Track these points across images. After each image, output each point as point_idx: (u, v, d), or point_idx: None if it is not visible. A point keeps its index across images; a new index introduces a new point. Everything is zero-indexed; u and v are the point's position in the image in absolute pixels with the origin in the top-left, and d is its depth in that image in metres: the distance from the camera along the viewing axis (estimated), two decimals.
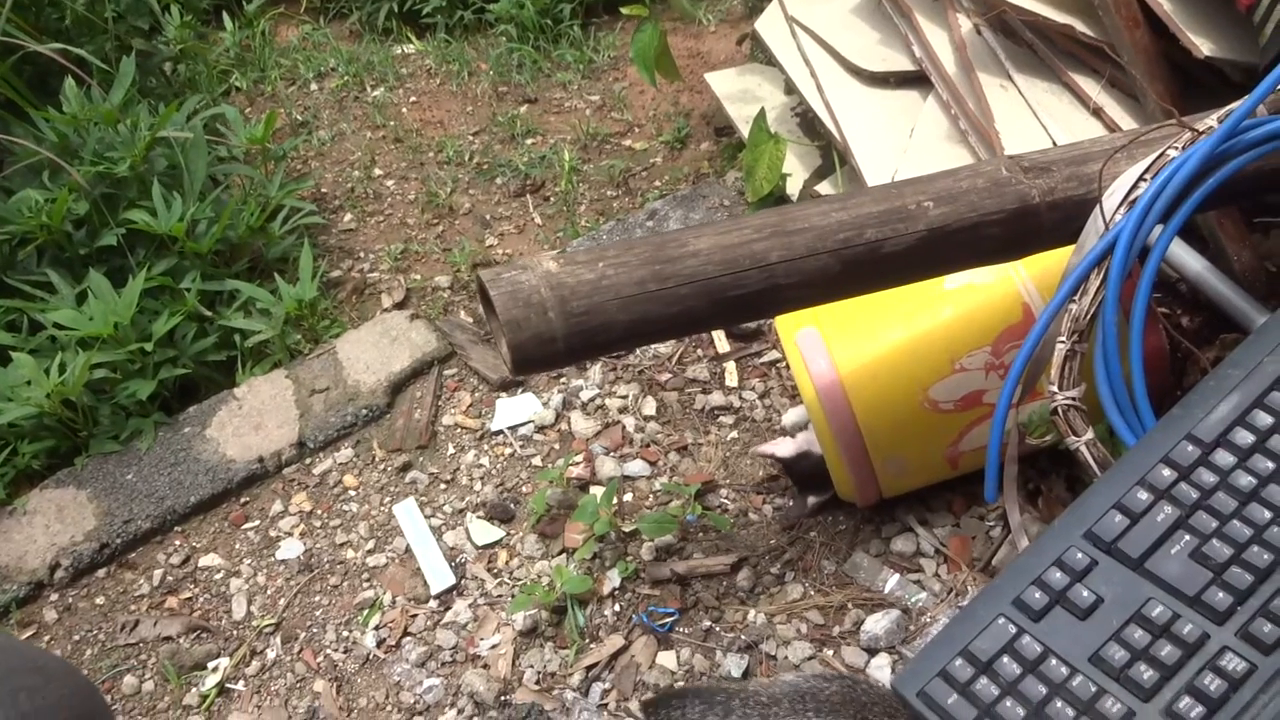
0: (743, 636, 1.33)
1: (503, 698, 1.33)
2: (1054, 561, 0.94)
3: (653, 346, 1.74)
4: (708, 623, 1.36)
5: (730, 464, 1.55)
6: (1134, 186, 1.05)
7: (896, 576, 1.36)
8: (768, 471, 1.52)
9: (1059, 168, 1.07)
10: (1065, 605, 0.92)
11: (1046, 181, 1.05)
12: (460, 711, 1.34)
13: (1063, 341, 1.04)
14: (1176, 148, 1.06)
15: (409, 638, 1.43)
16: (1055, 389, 1.05)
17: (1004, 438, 1.15)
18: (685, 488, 1.49)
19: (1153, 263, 1.03)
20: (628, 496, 1.53)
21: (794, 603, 1.36)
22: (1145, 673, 0.85)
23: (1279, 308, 1.24)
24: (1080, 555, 0.93)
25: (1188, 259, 1.37)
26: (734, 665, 1.31)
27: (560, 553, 1.48)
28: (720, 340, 1.72)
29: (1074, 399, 1.04)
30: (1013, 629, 0.91)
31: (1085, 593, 0.91)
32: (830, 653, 1.30)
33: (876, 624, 1.30)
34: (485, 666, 1.38)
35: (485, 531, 1.53)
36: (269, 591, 1.52)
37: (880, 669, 1.27)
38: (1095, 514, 0.96)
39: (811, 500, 1.43)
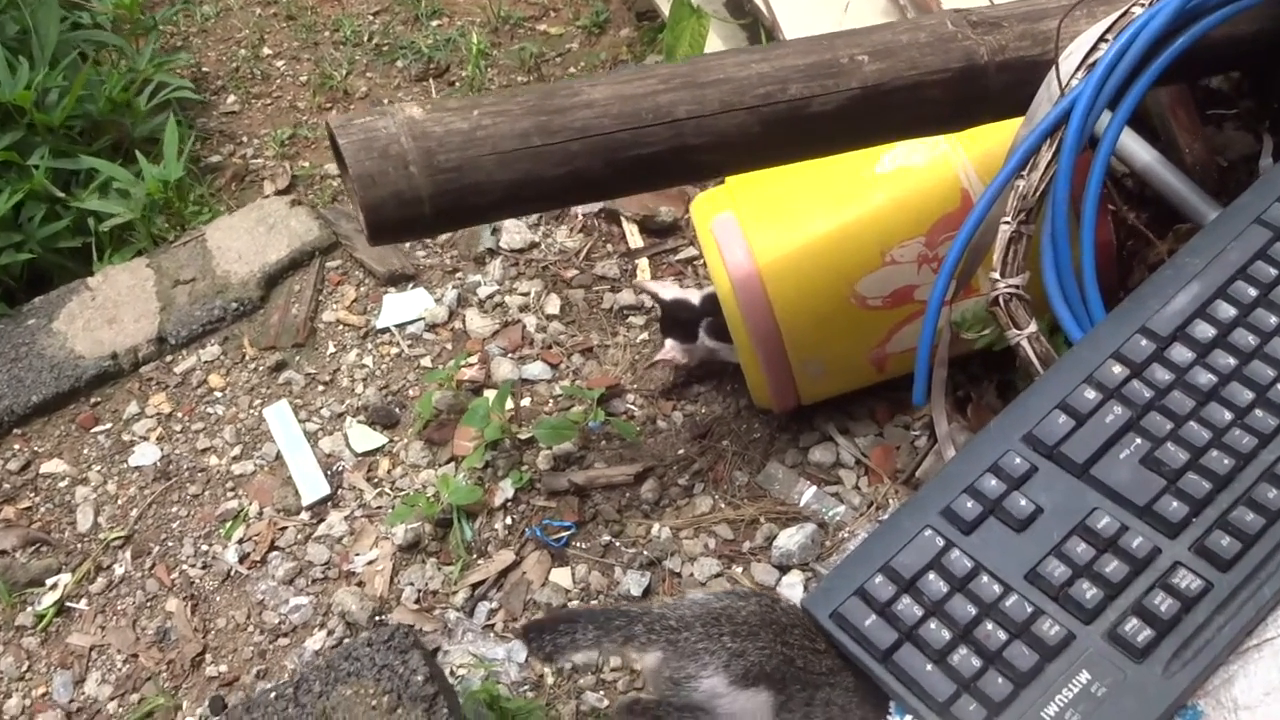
0: (645, 552, 1.22)
1: (378, 618, 1.20)
2: (989, 467, 0.83)
3: (558, 239, 1.58)
4: (607, 537, 1.24)
5: (638, 368, 1.42)
6: (1094, 48, 0.93)
7: (813, 489, 1.25)
8: (679, 377, 1.39)
9: (1011, 24, 0.93)
10: (1000, 516, 0.80)
11: (996, 39, 0.92)
12: (330, 633, 1.20)
13: (1007, 222, 0.92)
14: (1142, 3, 0.93)
15: (276, 552, 1.29)
16: (996, 275, 0.92)
17: (935, 336, 1.04)
18: (588, 392, 1.35)
19: (1112, 131, 0.91)
20: (525, 401, 1.39)
21: (702, 516, 1.24)
22: (1088, 591, 0.75)
23: (1231, 203, 1.13)
24: (1018, 460, 0.82)
25: (1137, 149, 1.26)
26: (634, 583, 1.19)
27: (448, 461, 1.34)
28: (633, 234, 1.57)
29: (1017, 287, 0.92)
30: (940, 542, 0.80)
31: (1023, 502, 0.80)
32: (739, 570, 1.20)
33: (790, 539, 1.19)
34: (360, 584, 1.24)
35: (366, 437, 1.38)
36: (120, 501, 1.36)
37: (792, 587, 1.16)
38: (1036, 415, 0.85)
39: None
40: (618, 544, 1.23)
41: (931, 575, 0.78)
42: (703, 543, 1.22)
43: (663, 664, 0.82)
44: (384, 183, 0.79)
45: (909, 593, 0.78)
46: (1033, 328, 0.91)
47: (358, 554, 1.27)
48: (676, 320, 1.30)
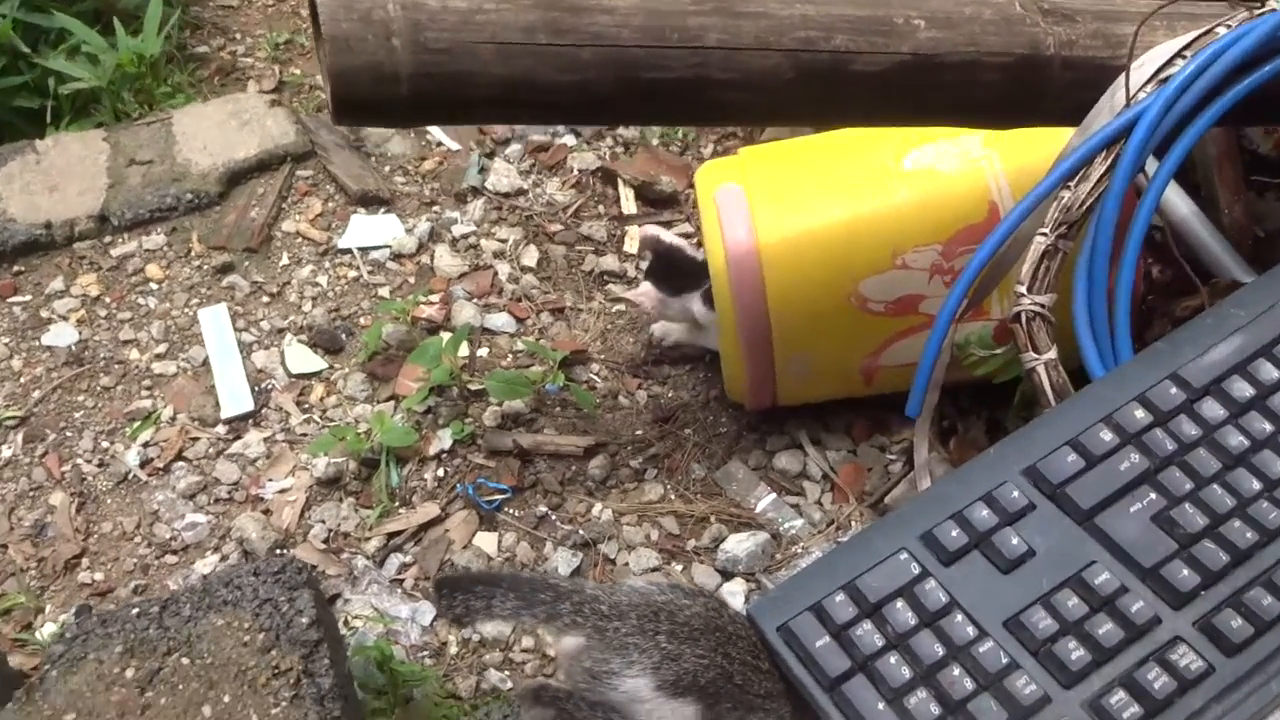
0: (581, 531, 1.12)
1: (279, 551, 1.09)
2: (982, 496, 0.73)
3: (548, 190, 1.48)
4: (544, 509, 1.14)
5: (609, 338, 1.31)
6: (1169, 61, 0.84)
7: (773, 496, 1.15)
8: (651, 354, 1.29)
9: (1084, 19, 0.84)
10: (987, 552, 0.71)
11: (1067, 31, 0.83)
12: (224, 558, 1.09)
13: (1044, 234, 0.83)
14: (1229, 25, 0.84)
15: (182, 463, 1.17)
16: (1023, 289, 0.83)
17: (940, 351, 0.94)
18: (552, 353, 1.25)
19: (1176, 154, 0.82)
20: (483, 351, 1.29)
21: (650, 504, 1.14)
22: (1074, 652, 0.65)
23: (1265, 273, 1.05)
24: (1016, 494, 0.73)
25: (1177, 200, 1.18)
26: (564, 562, 1.09)
27: (389, 399, 1.23)
28: (628, 199, 1.47)
29: (1042, 306, 0.83)
30: (916, 569, 0.70)
31: (1015, 540, 0.70)
32: (679, 568, 1.10)
33: (739, 545, 1.09)
34: (266, 512, 1.13)
35: (304, 359, 1.27)
36: (23, 379, 1.24)
37: (733, 595, 1.06)
38: (1043, 449, 0.75)
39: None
40: (554, 517, 1.13)
41: (900, 604, 0.68)
42: (645, 532, 1.12)
43: (584, 652, 0.72)
44: (360, 50, 0.68)
45: (871, 619, 0.68)
46: (1052, 354, 0.82)
47: (270, 480, 1.15)
48: (668, 268, 1.18)
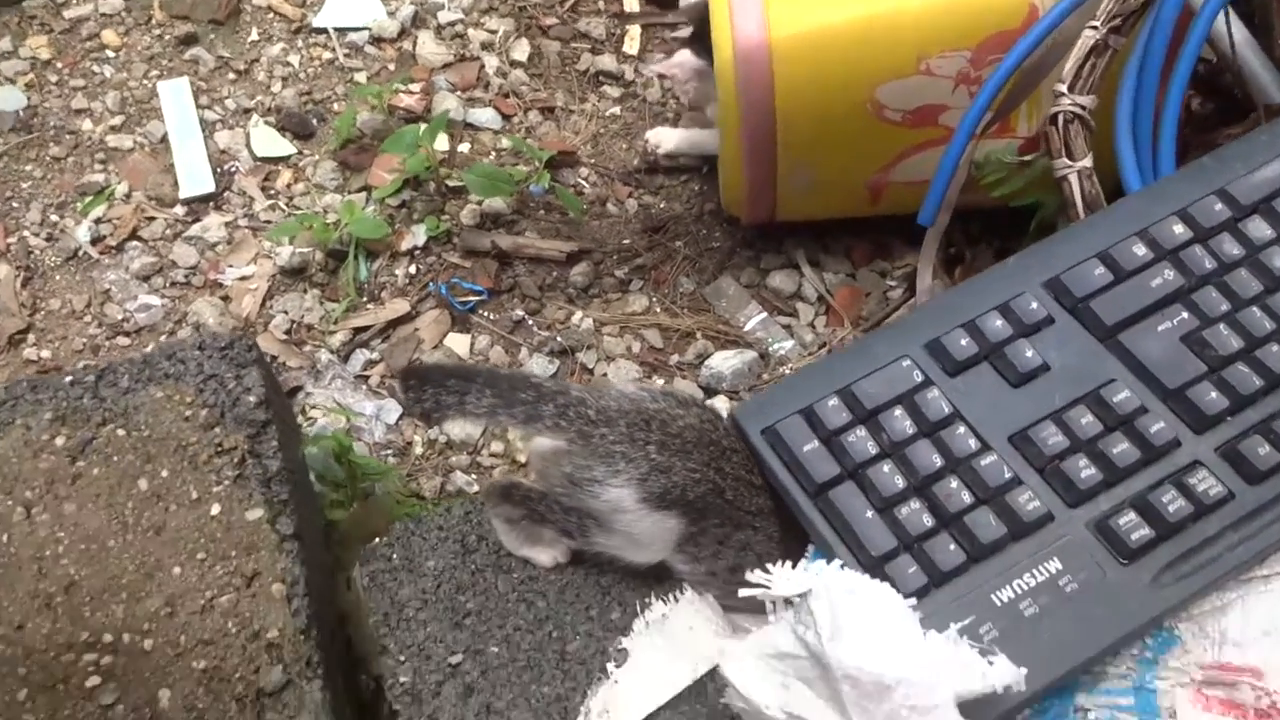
0: (559, 339, 1.05)
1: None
2: (997, 306, 0.67)
3: None
4: (521, 313, 1.07)
5: (601, 143, 1.22)
6: None
7: (763, 315, 1.09)
8: (645, 161, 1.20)
9: None
10: (997, 364, 0.65)
11: None
12: None
13: (1095, 27, 0.74)
14: None
15: (136, 243, 1.09)
16: (1063, 88, 0.75)
17: (960, 157, 0.87)
18: (538, 152, 1.16)
19: None
20: (464, 147, 1.20)
21: (633, 315, 1.08)
22: (1084, 470, 0.60)
23: None
24: (1035, 306, 0.66)
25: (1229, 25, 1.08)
26: (540, 369, 1.03)
27: (360, 190, 1.15)
28: None
29: (1083, 108, 0.74)
30: (918, 377, 0.65)
31: (1029, 353, 0.64)
32: (660, 382, 1.04)
33: (725, 362, 1.04)
34: (225, 298, 1.06)
35: (271, 142, 1.18)
36: None
37: None
38: (1068, 261, 0.68)
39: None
40: (531, 323, 1.07)
41: (898, 412, 0.63)
42: (626, 344, 1.06)
43: (565, 457, 0.66)
44: None
45: (866, 425, 0.63)
46: (1087, 162, 0.74)
47: (230, 266, 1.08)
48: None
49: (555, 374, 1.03)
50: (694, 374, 1.04)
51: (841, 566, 0.51)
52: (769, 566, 0.52)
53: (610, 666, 0.64)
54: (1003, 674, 0.48)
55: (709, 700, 0.62)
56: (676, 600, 0.67)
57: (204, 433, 0.71)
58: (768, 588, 0.50)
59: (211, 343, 0.75)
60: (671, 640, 0.64)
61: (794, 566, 0.51)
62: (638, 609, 0.67)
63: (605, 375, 1.03)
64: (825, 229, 1.13)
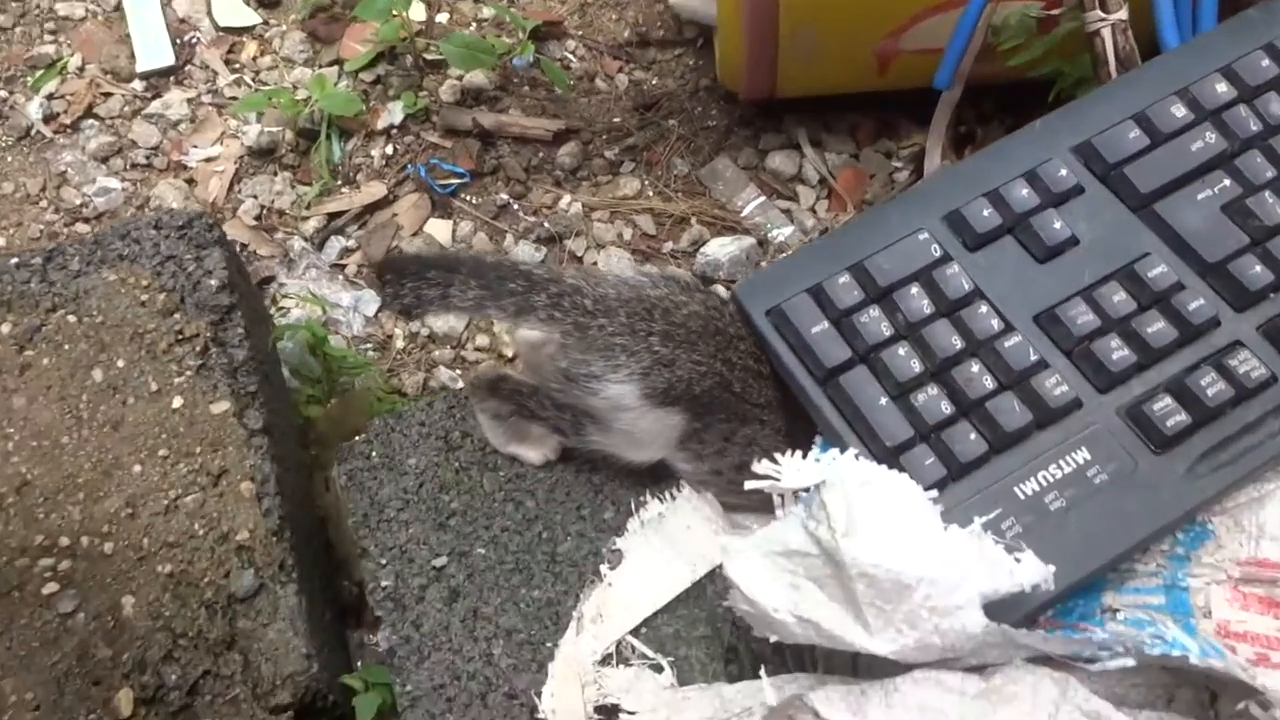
0: (547, 225, 0.99)
1: None
2: (1023, 173, 0.61)
3: None
4: (505, 197, 1.01)
5: (590, 13, 1.14)
6: None
7: (762, 199, 1.03)
8: (636, 34, 1.12)
9: None
10: (1022, 237, 0.60)
11: None
12: None
13: None
14: None
15: (92, 121, 1.02)
16: None
17: (976, 24, 0.80)
18: (523, 20, 1.08)
19: None
20: (442, 17, 1.11)
21: (624, 199, 1.02)
22: (1115, 352, 0.55)
23: None
24: (1064, 173, 0.61)
25: None
26: (526, 256, 0.97)
27: (332, 64, 1.07)
28: None
29: None
30: (937, 251, 0.59)
31: (1057, 225, 0.59)
32: (655, 269, 0.99)
33: (721, 249, 0.98)
34: (190, 181, 0.99)
35: (234, 11, 1.09)
36: None
37: None
38: (1099, 124, 0.62)
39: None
40: (516, 207, 1.01)
41: (914, 289, 0.58)
42: (618, 230, 1.00)
43: (560, 351, 0.61)
44: None
45: (880, 305, 0.58)
46: (1123, 14, 0.68)
47: (195, 146, 1.01)
48: None
49: (542, 261, 0.97)
50: (689, 262, 0.98)
51: (856, 457, 0.47)
52: (777, 457, 0.47)
53: (604, 568, 0.60)
54: (1030, 572, 0.44)
55: (708, 603, 0.58)
56: (673, 499, 0.62)
57: (162, 319, 0.66)
58: (776, 480, 0.46)
59: (169, 221, 0.69)
60: (669, 540, 0.60)
61: (804, 457, 0.47)
62: (632, 508, 0.63)
63: (595, 264, 0.98)
64: (828, 106, 1.06)
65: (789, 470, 0.46)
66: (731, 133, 1.07)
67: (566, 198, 1.01)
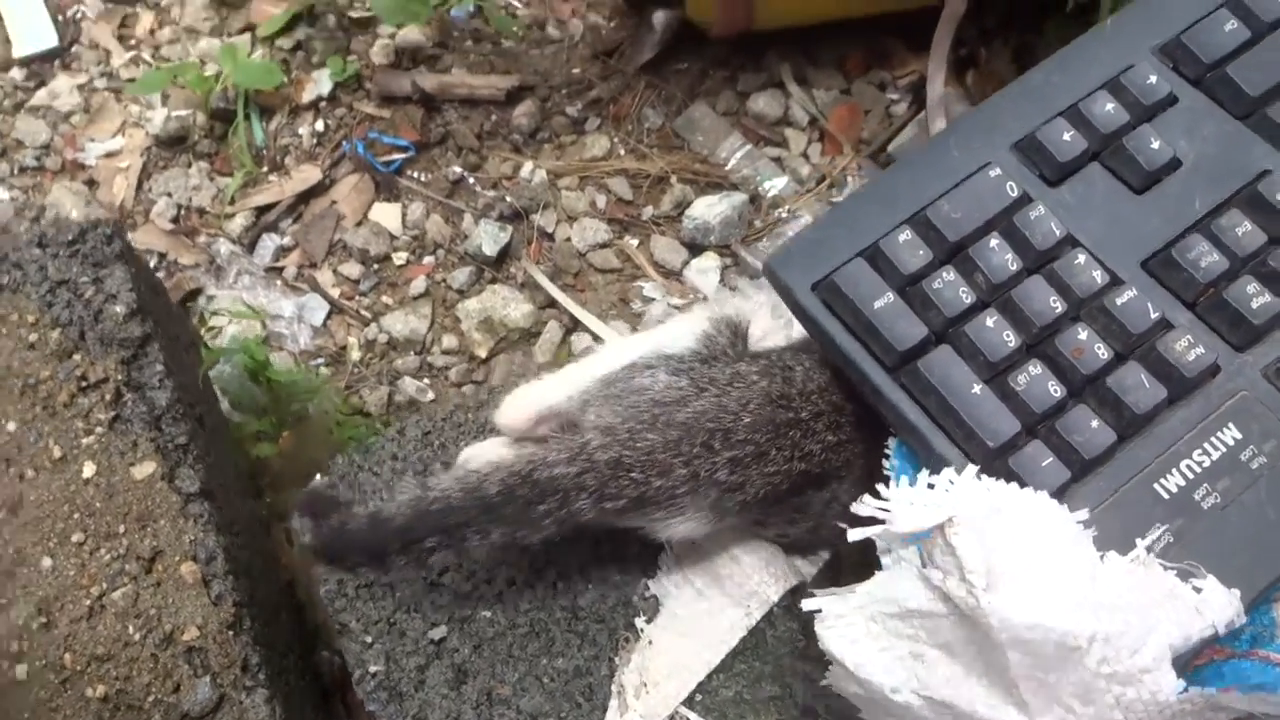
0: (509, 198, 0.87)
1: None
2: (1105, 84, 0.50)
3: None
4: (458, 170, 0.88)
5: None
6: None
7: (748, 147, 0.91)
8: None
9: None
10: (1112, 163, 0.49)
11: None
12: None
13: None
14: None
15: None
16: None
17: None
18: None
19: None
20: None
21: (593, 161, 0.89)
22: (1253, 299, 0.45)
23: None
24: (1154, 80, 0.49)
25: None
26: (488, 239, 0.85)
27: (243, 31, 0.93)
28: None
29: None
30: (1013, 190, 0.48)
31: (1154, 144, 0.48)
32: (635, 242, 0.87)
33: (709, 209, 0.86)
34: (90, 183, 0.86)
35: None
36: None
37: (704, 273, 0.85)
38: (1188, 15, 0.51)
39: (659, 17, 0.93)
40: (471, 181, 0.88)
41: (994, 242, 0.46)
42: (589, 198, 0.88)
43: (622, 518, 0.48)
44: None
45: (955, 264, 0.46)
46: None
47: (92, 140, 0.87)
48: None
49: (508, 245, 0.85)
50: (674, 229, 0.87)
51: (978, 475, 0.36)
52: (880, 490, 0.36)
53: (639, 622, 0.49)
54: (1220, 605, 0.34)
55: (771, 653, 0.47)
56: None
57: (59, 363, 0.53)
58: (883, 523, 0.35)
59: (55, 237, 0.56)
60: (713, 579, 0.48)
61: (910, 484, 0.36)
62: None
63: (569, 240, 0.86)
64: (812, 37, 0.94)
65: (899, 507, 0.35)
66: (706, 75, 0.95)
67: (528, 165, 0.89)
